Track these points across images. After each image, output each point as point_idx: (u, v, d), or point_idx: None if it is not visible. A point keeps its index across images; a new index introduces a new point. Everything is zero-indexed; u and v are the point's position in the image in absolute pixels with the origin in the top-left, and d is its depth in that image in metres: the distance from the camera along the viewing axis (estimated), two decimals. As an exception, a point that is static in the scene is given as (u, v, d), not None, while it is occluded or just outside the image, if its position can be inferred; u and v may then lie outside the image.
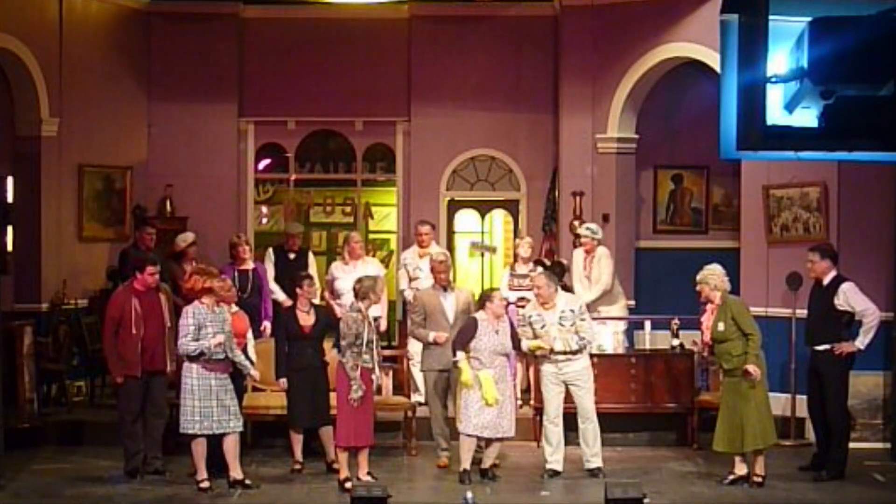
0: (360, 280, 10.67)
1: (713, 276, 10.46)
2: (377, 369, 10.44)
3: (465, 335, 10.55)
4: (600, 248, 12.87)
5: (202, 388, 10.21)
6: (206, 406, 10.21)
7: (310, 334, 10.85)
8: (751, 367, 10.17)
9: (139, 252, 12.83)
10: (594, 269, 12.80)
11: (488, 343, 10.48)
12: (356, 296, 10.54)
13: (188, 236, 13.40)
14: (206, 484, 10.25)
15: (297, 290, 11.05)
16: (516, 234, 15.53)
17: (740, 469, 10.48)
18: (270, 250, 13.57)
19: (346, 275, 12.39)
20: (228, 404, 10.26)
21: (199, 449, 10.26)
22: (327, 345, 11.00)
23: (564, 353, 10.68)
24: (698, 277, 10.51)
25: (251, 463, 11.03)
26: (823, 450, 10.85)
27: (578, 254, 13.11)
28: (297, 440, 10.97)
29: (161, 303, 10.83)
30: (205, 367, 10.22)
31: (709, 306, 10.51)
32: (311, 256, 13.66)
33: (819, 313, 10.81)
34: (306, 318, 10.90)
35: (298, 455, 10.98)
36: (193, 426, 10.22)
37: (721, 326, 10.31)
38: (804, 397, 11.35)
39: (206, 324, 10.22)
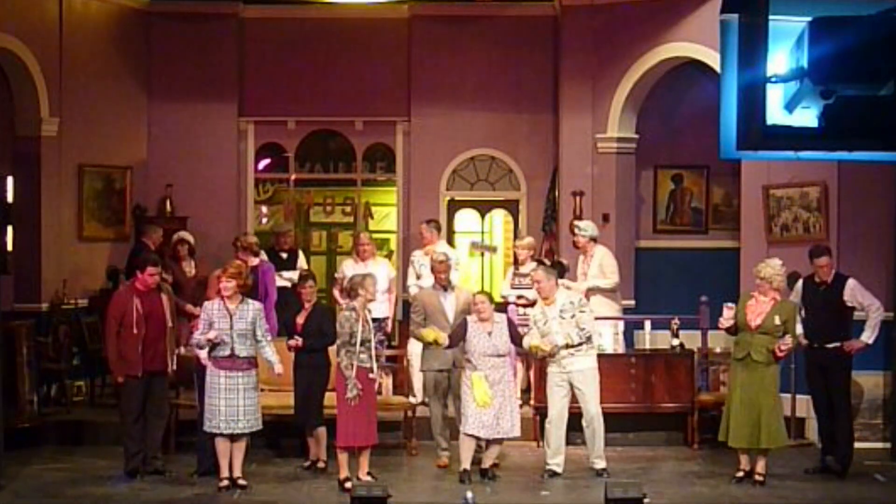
0: (351, 279, 10.70)
1: (778, 274, 10.50)
2: (375, 369, 10.41)
3: (454, 337, 10.65)
4: (600, 247, 12.83)
5: (211, 385, 10.25)
6: (212, 405, 10.23)
7: (301, 333, 10.83)
8: (789, 337, 10.32)
9: (150, 251, 12.86)
10: (591, 268, 12.77)
11: (478, 345, 10.50)
12: (348, 294, 10.56)
13: (175, 235, 13.42)
14: (224, 483, 10.28)
15: (299, 289, 11.09)
16: (516, 234, 15.54)
17: (746, 465, 10.52)
18: (262, 253, 13.61)
19: (357, 274, 12.38)
20: (239, 404, 10.23)
21: (217, 447, 10.28)
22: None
23: (567, 346, 10.67)
24: (766, 275, 10.45)
25: (251, 463, 11.01)
26: (829, 447, 10.88)
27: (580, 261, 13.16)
28: (310, 437, 10.98)
29: (163, 303, 10.83)
30: (215, 364, 10.24)
31: (758, 296, 10.48)
32: (301, 255, 13.75)
33: (827, 311, 10.82)
34: (302, 317, 10.90)
35: (312, 453, 10.99)
36: (205, 423, 10.29)
37: (777, 320, 10.37)
38: (804, 397, 11.36)
39: (215, 319, 10.23)
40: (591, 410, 10.77)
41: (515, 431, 10.60)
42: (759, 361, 10.40)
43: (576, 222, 13.24)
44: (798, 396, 11.84)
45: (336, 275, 13.20)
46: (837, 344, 10.71)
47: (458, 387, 10.80)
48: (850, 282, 10.80)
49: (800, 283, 11.01)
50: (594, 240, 12.74)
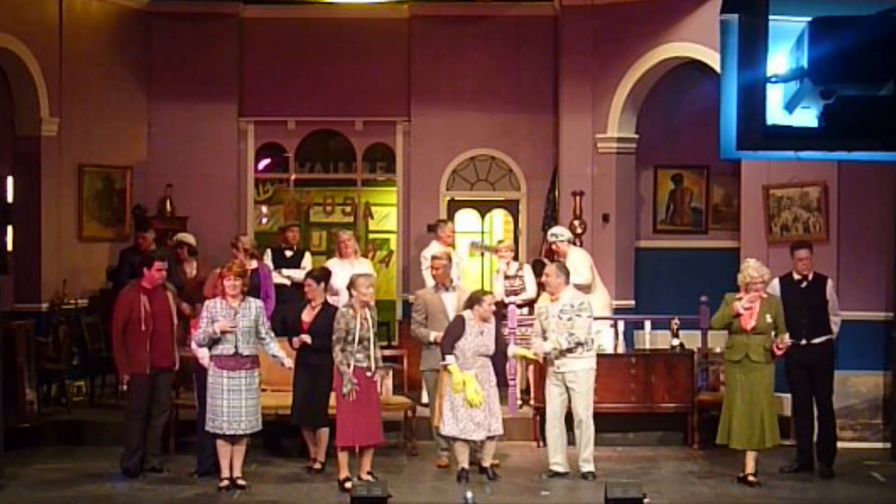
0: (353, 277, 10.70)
1: (766, 274, 10.57)
2: (373, 367, 10.37)
3: (452, 334, 10.55)
4: (573, 249, 12.81)
5: (214, 386, 10.24)
6: (216, 405, 10.22)
7: (307, 332, 10.82)
8: (787, 336, 10.40)
9: (139, 253, 12.85)
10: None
11: (472, 343, 10.49)
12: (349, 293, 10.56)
13: (175, 237, 13.41)
14: (224, 483, 10.28)
15: (304, 286, 11.10)
16: (516, 234, 15.56)
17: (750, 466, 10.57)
18: (269, 251, 13.65)
19: (342, 271, 12.39)
20: (242, 405, 10.22)
21: (218, 448, 10.28)
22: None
23: (557, 350, 10.65)
24: (763, 274, 10.50)
25: (251, 463, 11.01)
26: (808, 446, 10.90)
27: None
28: (308, 437, 10.97)
29: (168, 300, 10.85)
30: (217, 363, 10.23)
31: (746, 296, 10.48)
32: (307, 256, 13.73)
33: (811, 307, 10.90)
34: (309, 315, 10.90)
35: (311, 452, 10.98)
36: (207, 423, 10.28)
37: (769, 318, 10.43)
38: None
39: (217, 317, 10.23)
40: (580, 413, 10.71)
41: (500, 429, 10.62)
42: (757, 362, 10.42)
43: (552, 230, 13.13)
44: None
45: None
46: (823, 339, 10.81)
47: (442, 386, 10.68)
48: (830, 282, 11.00)
49: (776, 282, 10.97)
50: (572, 242, 12.97)
